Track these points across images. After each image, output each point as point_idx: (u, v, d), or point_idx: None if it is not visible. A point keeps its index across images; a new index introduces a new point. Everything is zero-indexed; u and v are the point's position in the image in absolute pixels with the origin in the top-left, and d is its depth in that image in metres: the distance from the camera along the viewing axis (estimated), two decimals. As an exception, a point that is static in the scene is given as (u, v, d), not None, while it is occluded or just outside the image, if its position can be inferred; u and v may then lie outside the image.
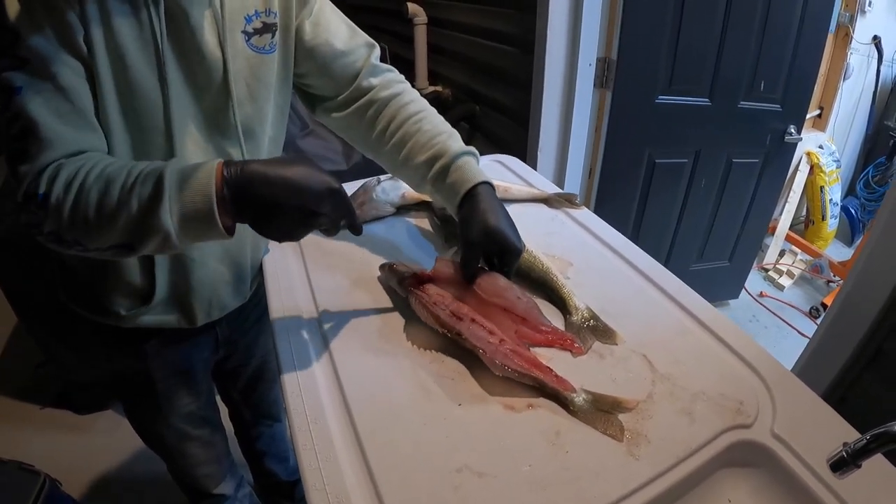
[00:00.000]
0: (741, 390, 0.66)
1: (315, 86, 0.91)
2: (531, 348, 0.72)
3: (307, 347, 0.76)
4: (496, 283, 0.77)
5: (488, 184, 0.80)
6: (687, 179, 1.89)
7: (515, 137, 1.89)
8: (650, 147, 1.79)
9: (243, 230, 0.66)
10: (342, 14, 0.91)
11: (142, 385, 0.96)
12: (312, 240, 1.02)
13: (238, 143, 0.81)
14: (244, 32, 0.77)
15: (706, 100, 1.73)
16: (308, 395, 0.69)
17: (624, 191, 1.91)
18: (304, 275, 0.91)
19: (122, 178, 0.61)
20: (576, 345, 0.73)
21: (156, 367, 0.94)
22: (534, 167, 1.85)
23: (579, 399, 0.64)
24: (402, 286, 0.81)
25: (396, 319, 0.81)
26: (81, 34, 0.63)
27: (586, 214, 1.08)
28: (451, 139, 0.84)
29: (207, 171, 0.60)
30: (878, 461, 0.57)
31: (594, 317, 0.78)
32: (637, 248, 0.95)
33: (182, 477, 1.15)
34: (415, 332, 0.78)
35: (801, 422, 0.62)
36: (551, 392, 0.66)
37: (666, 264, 2.06)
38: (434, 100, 2.61)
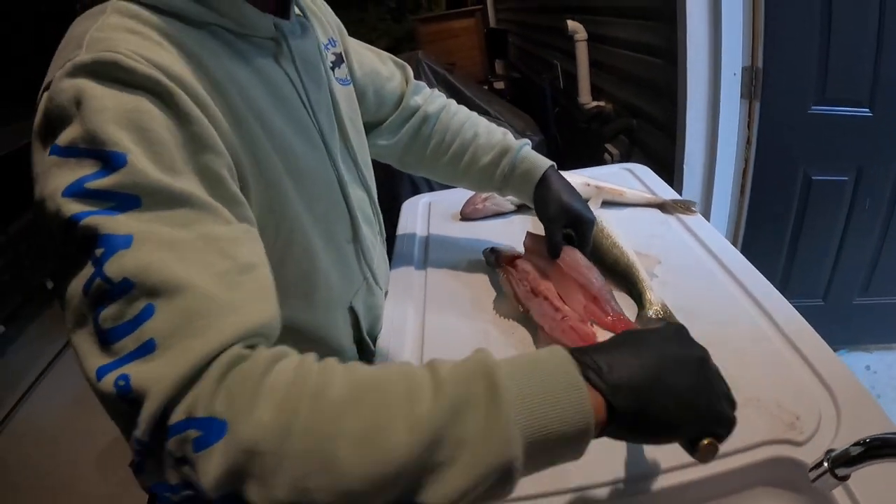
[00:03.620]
0: (803, 404, 0.58)
1: (365, 115, 0.81)
2: (594, 325, 0.72)
3: (406, 307, 0.84)
4: (578, 262, 0.79)
5: (552, 166, 0.83)
6: (848, 199, 1.59)
7: (667, 151, 1.78)
8: (805, 163, 1.56)
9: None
10: (355, 39, 0.84)
11: None
12: (438, 220, 1.11)
13: (363, 182, 0.75)
14: (330, 68, 0.69)
15: (866, 109, 1.45)
16: (395, 340, 0.77)
17: (777, 210, 1.68)
18: (423, 252, 1.00)
19: (398, 381, 0.35)
20: (636, 334, 0.70)
21: None
22: (680, 181, 1.73)
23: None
24: (497, 263, 0.86)
25: (490, 293, 0.86)
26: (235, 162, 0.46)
27: (699, 221, 1.00)
28: (507, 136, 0.87)
29: (559, 365, 0.37)
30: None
31: (667, 311, 0.74)
32: (740, 255, 0.86)
33: None
34: (500, 303, 0.83)
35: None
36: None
37: (825, 294, 1.79)
38: (597, 115, 2.56)
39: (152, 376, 0.32)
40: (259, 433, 0.31)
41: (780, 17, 1.37)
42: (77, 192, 0.35)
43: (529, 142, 0.87)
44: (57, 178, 0.36)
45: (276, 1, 0.56)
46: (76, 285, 0.35)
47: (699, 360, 0.42)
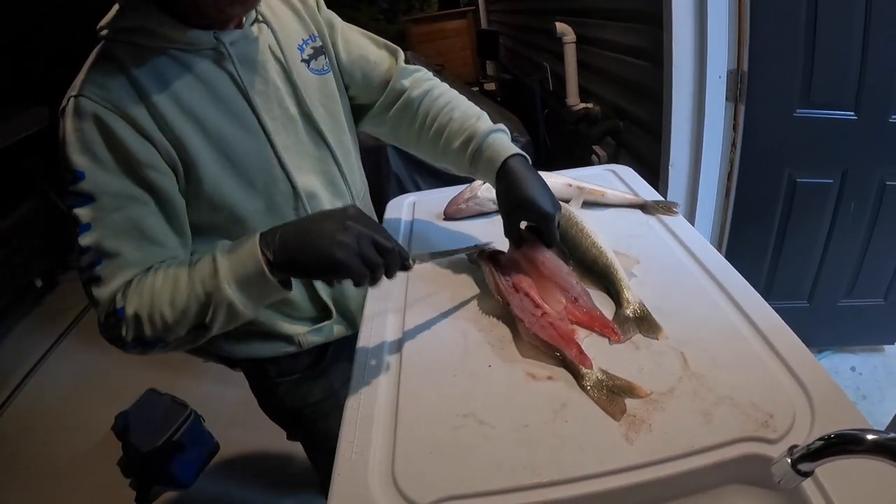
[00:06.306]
0: (777, 403, 0.58)
1: (357, 97, 0.94)
2: (573, 324, 0.72)
3: (386, 307, 0.84)
4: (559, 267, 0.80)
5: (520, 155, 0.81)
6: (833, 202, 1.60)
7: (653, 153, 1.79)
8: (790, 165, 1.57)
9: None
10: (356, 27, 0.94)
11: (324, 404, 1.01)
12: (422, 220, 1.11)
13: (334, 160, 0.87)
14: (303, 61, 0.82)
15: (851, 113, 1.46)
16: (375, 339, 0.78)
17: (762, 212, 1.68)
18: (406, 250, 0.98)
19: (184, 271, 0.67)
20: (615, 332, 0.70)
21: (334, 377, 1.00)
22: (665, 183, 1.74)
23: (592, 375, 0.62)
24: (480, 258, 0.86)
25: (470, 291, 0.85)
26: (160, 154, 0.68)
27: (680, 222, 1.00)
28: (480, 121, 0.86)
29: (251, 241, 0.65)
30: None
31: (644, 310, 0.74)
32: (719, 255, 0.86)
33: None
34: (483, 299, 0.83)
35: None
36: (569, 364, 0.65)
37: (810, 296, 1.79)
38: (584, 116, 2.56)
39: (102, 294, 0.67)
40: (135, 310, 0.66)
41: (766, 20, 1.38)
42: (66, 190, 0.66)
43: (504, 127, 0.86)
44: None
45: (219, 20, 0.70)
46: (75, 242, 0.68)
47: (339, 223, 0.63)
